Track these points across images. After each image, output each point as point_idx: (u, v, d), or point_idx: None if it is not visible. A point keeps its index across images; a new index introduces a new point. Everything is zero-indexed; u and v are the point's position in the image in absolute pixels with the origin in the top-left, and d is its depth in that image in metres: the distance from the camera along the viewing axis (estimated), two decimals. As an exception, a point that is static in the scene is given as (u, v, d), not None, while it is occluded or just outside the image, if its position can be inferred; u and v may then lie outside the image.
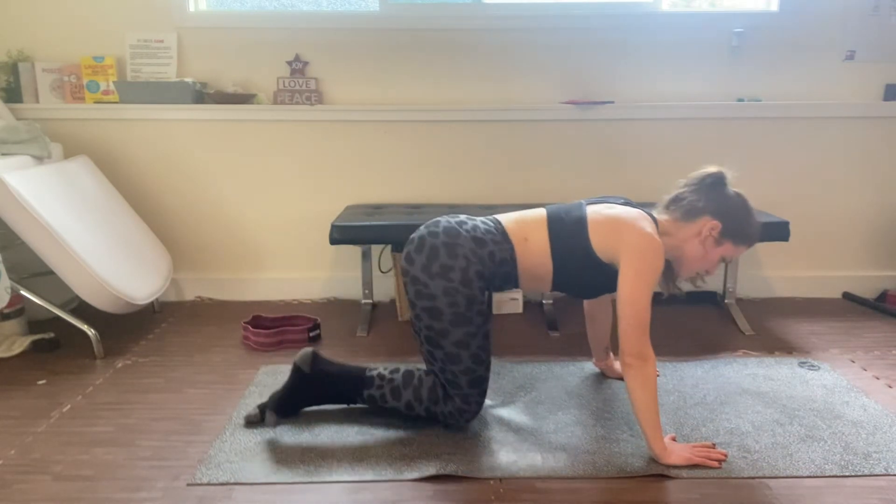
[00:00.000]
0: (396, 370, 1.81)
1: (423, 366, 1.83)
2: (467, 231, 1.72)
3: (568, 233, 1.74)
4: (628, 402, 1.90)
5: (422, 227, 1.77)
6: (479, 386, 1.75)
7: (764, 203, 2.84)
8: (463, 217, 1.78)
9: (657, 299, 1.68)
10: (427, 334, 1.72)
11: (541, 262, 1.76)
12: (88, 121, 2.80)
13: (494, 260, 1.72)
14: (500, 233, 1.76)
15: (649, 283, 1.64)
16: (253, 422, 1.82)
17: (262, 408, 1.83)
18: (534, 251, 1.75)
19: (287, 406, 1.80)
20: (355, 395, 1.82)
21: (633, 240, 1.67)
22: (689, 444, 1.68)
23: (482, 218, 1.81)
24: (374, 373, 1.81)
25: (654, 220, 1.76)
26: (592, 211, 1.76)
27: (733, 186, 1.75)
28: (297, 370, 1.80)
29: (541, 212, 1.81)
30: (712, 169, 1.74)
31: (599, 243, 1.71)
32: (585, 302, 2.10)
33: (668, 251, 1.74)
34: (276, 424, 1.79)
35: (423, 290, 1.69)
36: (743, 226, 1.73)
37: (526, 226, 1.78)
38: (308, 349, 1.82)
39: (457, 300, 1.67)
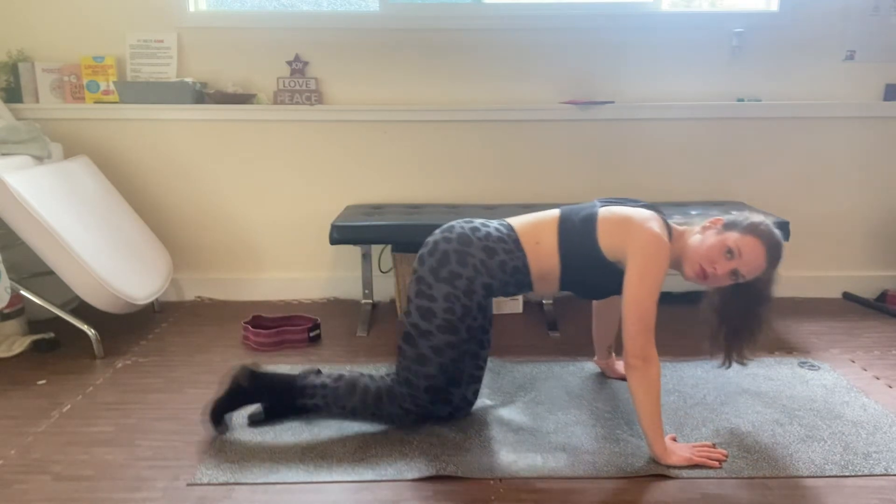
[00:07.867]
0: (340, 378, 1.82)
1: (366, 371, 1.87)
2: (479, 239, 1.72)
3: (576, 231, 1.74)
4: (628, 402, 1.91)
5: (437, 231, 1.77)
6: (435, 395, 1.75)
7: (764, 203, 2.84)
8: (477, 223, 1.78)
9: (663, 300, 1.67)
10: (409, 332, 1.72)
11: (550, 263, 1.75)
12: (88, 121, 2.80)
13: (506, 269, 1.72)
14: (513, 241, 1.75)
15: (654, 285, 1.63)
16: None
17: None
18: (544, 253, 1.75)
19: (222, 412, 1.80)
20: (292, 403, 1.82)
21: (640, 239, 1.66)
22: (689, 444, 1.68)
23: (496, 223, 1.80)
24: (317, 381, 1.81)
25: (668, 224, 1.75)
26: (605, 210, 1.76)
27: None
28: (235, 382, 1.80)
29: (555, 212, 1.81)
30: (756, 218, 1.71)
31: (606, 241, 1.70)
32: (594, 301, 2.09)
33: (676, 257, 1.73)
34: (222, 432, 1.79)
35: (425, 291, 1.69)
36: (744, 220, 1.69)
37: (538, 228, 1.78)
38: (246, 365, 1.83)
39: (454, 308, 1.68)
